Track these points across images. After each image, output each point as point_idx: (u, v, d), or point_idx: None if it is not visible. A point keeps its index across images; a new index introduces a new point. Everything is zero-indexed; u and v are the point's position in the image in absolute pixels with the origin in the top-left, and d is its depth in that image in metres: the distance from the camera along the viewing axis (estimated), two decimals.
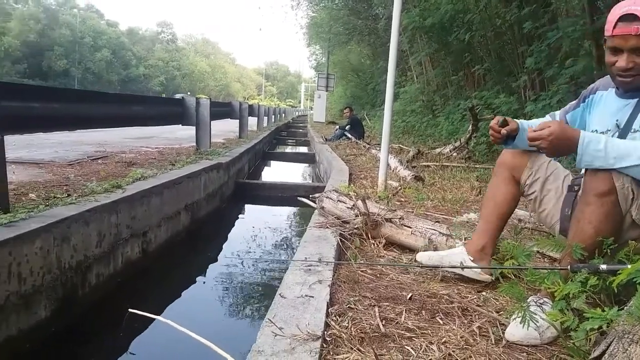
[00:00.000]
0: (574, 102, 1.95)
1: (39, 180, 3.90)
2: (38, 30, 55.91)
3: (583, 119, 1.88)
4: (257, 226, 5.44)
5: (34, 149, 6.21)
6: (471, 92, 9.20)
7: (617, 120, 1.69)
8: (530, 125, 1.81)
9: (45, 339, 2.50)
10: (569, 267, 1.45)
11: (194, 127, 6.56)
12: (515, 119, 1.90)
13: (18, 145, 6.22)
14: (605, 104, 1.78)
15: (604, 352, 1.19)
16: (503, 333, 1.54)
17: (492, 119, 1.92)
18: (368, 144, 9.21)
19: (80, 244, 2.80)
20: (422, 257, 2.13)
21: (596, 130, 1.76)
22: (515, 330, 1.52)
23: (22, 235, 2.31)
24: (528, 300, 1.57)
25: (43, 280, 2.47)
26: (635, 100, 1.66)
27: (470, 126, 7.14)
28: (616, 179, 1.51)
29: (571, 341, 1.37)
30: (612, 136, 1.67)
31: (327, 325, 1.54)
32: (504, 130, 1.84)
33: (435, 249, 2.39)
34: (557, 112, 2.02)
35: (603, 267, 1.37)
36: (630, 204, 1.52)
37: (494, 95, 7.64)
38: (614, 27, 1.56)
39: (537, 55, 6.14)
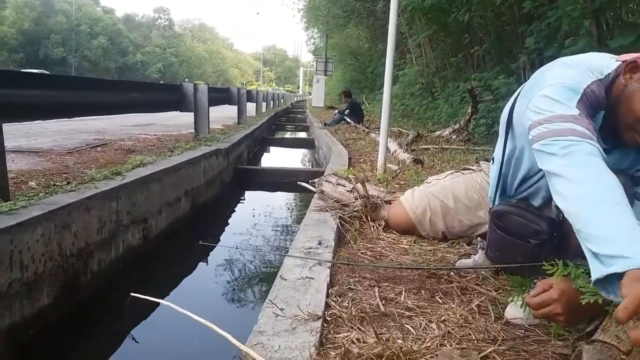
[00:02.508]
0: (577, 104, 1.24)
1: (39, 168, 3.91)
2: (33, 18, 55.60)
3: None
4: (257, 211, 5.45)
5: (33, 137, 6.20)
6: (471, 73, 9.15)
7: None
8: None
9: (48, 326, 2.52)
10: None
11: (192, 114, 6.55)
12: None
13: (17, 134, 6.21)
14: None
15: (597, 327, 1.20)
16: (502, 311, 1.56)
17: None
18: (367, 127, 9.19)
19: (81, 231, 2.81)
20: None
21: None
22: (515, 312, 1.51)
23: (23, 223, 2.31)
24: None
25: (45, 267, 2.49)
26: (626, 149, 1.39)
27: (470, 108, 7.11)
28: None
29: None
30: None
31: (327, 306, 1.55)
32: None
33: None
34: (581, 128, 1.19)
35: None
36: None
37: (493, 77, 7.60)
38: None
39: (537, 35, 6.09)
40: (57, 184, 3.21)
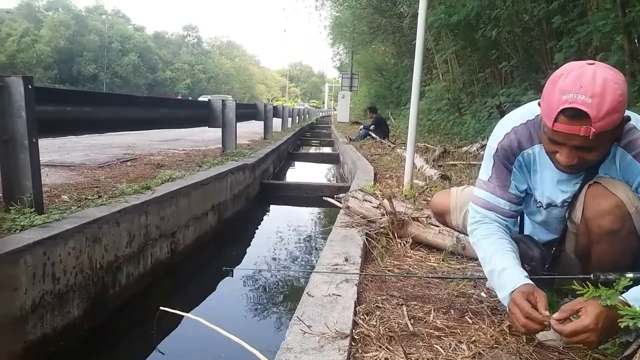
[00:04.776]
0: (492, 170, 1.61)
1: (71, 182, 4.00)
2: (68, 36, 57.36)
3: (525, 183, 1.61)
4: (282, 226, 5.46)
5: (65, 152, 6.36)
6: (498, 89, 9.05)
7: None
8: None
9: (78, 338, 2.56)
10: (591, 275, 1.36)
11: (220, 129, 6.63)
12: (528, 282, 1.40)
13: (50, 148, 6.38)
14: (548, 171, 1.52)
15: (635, 351, 1.16)
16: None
17: None
18: (393, 143, 9.16)
19: (111, 244, 2.86)
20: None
21: (550, 199, 1.55)
22: (547, 333, 1.47)
23: (55, 236, 2.36)
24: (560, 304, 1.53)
25: (76, 279, 2.53)
26: (581, 176, 1.48)
27: (494, 128, 7.00)
28: (629, 205, 1.36)
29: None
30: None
31: (355, 324, 1.54)
32: (546, 312, 1.27)
33: (464, 248, 2.37)
34: (487, 195, 1.62)
35: (629, 275, 1.28)
36: None
37: (522, 92, 7.51)
38: (555, 121, 1.26)
39: (567, 50, 6.01)
40: (89, 197, 3.28)
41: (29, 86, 2.62)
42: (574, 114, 1.22)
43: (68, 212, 2.80)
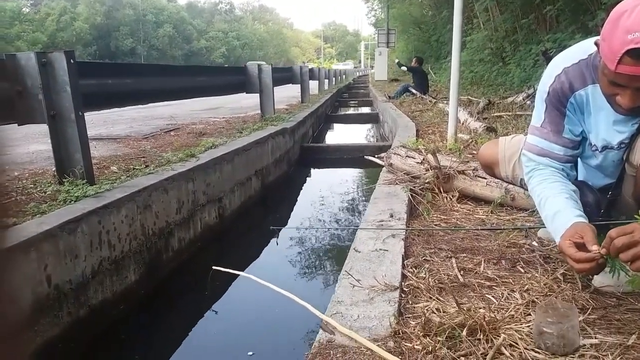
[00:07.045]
0: (544, 114, 1.54)
1: (118, 153, 4.12)
2: (104, 12, 58.27)
3: (580, 126, 1.53)
4: (324, 188, 5.48)
5: (110, 125, 6.54)
6: (543, 35, 8.63)
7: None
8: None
9: (136, 301, 2.68)
10: None
11: (257, 95, 6.64)
12: (580, 219, 1.35)
13: (96, 123, 6.57)
14: (603, 112, 1.44)
15: None
16: (589, 279, 1.47)
17: None
18: (434, 98, 8.94)
19: (161, 211, 2.94)
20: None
21: (605, 141, 1.47)
22: (604, 279, 1.43)
23: (108, 205, 2.45)
24: None
25: (130, 246, 2.64)
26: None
27: (544, 71, 6.72)
28: None
29: None
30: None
31: (403, 277, 1.54)
32: (594, 247, 1.22)
33: (513, 199, 2.31)
34: (538, 141, 1.56)
35: None
36: None
37: (569, 37, 7.13)
38: (619, 62, 1.16)
39: None
40: (137, 167, 3.37)
41: (71, 61, 2.68)
42: None
43: (118, 182, 2.90)
